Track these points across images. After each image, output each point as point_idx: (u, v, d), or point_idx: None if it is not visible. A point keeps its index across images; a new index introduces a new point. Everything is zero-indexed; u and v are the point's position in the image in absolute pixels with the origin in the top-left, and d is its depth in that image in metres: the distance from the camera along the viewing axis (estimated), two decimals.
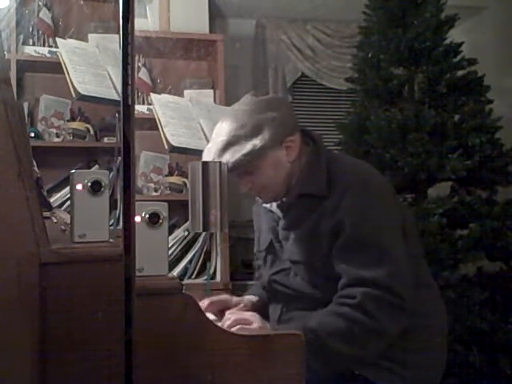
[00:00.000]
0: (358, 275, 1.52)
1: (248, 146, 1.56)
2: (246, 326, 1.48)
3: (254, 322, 1.52)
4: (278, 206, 1.71)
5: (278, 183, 1.65)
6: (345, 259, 1.55)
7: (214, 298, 1.80)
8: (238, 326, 1.47)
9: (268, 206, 1.75)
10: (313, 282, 1.62)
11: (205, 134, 2.38)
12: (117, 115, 2.24)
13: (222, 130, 1.61)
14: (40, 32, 3.16)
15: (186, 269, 3.10)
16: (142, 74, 3.30)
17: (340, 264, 1.55)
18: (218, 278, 3.13)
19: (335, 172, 1.62)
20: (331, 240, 1.56)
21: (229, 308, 1.76)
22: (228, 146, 1.57)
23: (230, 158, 1.56)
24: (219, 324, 1.40)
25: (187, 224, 2.73)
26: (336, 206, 1.56)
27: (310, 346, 1.38)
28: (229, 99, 3.21)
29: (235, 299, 1.83)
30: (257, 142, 1.57)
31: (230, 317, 1.55)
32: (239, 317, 1.52)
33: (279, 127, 1.60)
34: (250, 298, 1.86)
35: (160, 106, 2.35)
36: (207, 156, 1.62)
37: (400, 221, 1.65)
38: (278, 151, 1.62)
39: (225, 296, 1.87)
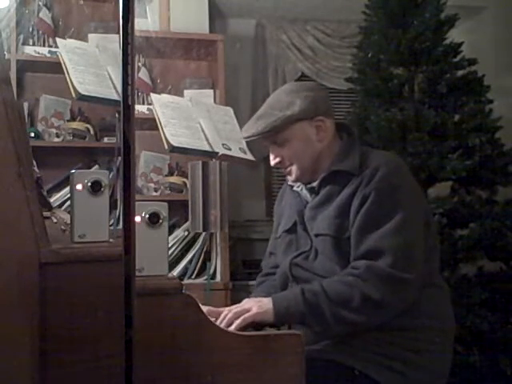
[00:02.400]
0: (366, 246, 1.58)
1: (279, 115, 1.71)
2: (247, 315, 1.50)
3: (252, 307, 1.54)
4: (309, 189, 1.77)
5: (305, 160, 1.74)
6: (360, 229, 1.60)
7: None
8: (240, 319, 1.49)
9: (298, 189, 1.82)
10: (335, 259, 1.65)
11: (205, 134, 2.38)
12: (117, 115, 2.24)
13: (262, 108, 1.78)
14: (40, 32, 3.16)
15: (186, 269, 3.10)
16: (142, 74, 3.30)
17: (355, 234, 1.61)
18: (218, 278, 3.12)
19: (368, 156, 1.72)
20: (356, 214, 1.63)
21: None
22: (262, 116, 1.74)
23: (261, 124, 1.71)
24: (217, 322, 1.41)
25: (187, 224, 2.73)
26: (366, 183, 1.64)
27: (308, 306, 1.52)
28: (229, 99, 3.21)
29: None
30: (287, 112, 1.71)
31: (229, 309, 1.55)
32: (237, 309, 1.53)
33: (310, 104, 1.73)
34: None
35: (160, 106, 2.35)
36: (244, 128, 1.76)
37: (423, 209, 1.73)
38: (308, 127, 1.74)
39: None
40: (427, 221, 1.71)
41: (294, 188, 1.84)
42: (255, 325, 1.54)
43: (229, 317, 1.50)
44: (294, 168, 1.76)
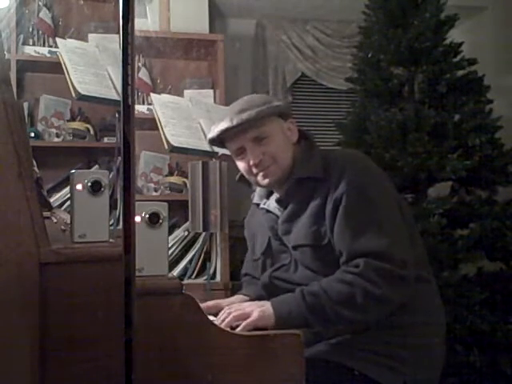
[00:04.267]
0: (358, 249, 1.56)
1: (259, 108, 1.68)
2: (248, 321, 1.47)
3: (253, 311, 1.50)
4: (277, 202, 1.74)
5: (285, 159, 1.71)
6: (344, 234, 1.59)
7: (209, 304, 1.77)
8: (242, 326, 1.46)
9: (265, 206, 1.79)
10: (316, 268, 1.64)
11: (205, 134, 2.38)
12: (117, 115, 2.24)
13: (233, 106, 1.74)
14: (40, 32, 3.16)
15: (186, 269, 3.10)
16: (142, 74, 3.30)
17: (339, 240, 1.59)
18: (218, 278, 3.12)
19: (331, 157, 1.71)
20: (333, 219, 1.61)
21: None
22: (243, 110, 1.68)
23: (245, 115, 1.66)
24: (216, 322, 1.40)
25: (187, 224, 2.73)
26: (335, 186, 1.62)
27: (310, 309, 1.50)
28: (229, 99, 3.21)
29: (227, 301, 1.82)
30: (265, 106, 1.69)
31: (228, 312, 1.53)
32: (237, 313, 1.50)
33: (283, 106, 1.76)
34: (240, 296, 1.85)
35: (160, 106, 2.35)
36: (219, 126, 1.70)
37: (396, 198, 1.72)
38: (284, 125, 1.74)
39: (215, 301, 1.84)
40: (402, 210, 1.70)
41: (261, 205, 1.81)
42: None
43: (228, 321, 1.47)
44: (273, 168, 1.70)
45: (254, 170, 1.71)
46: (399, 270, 1.54)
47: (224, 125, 1.68)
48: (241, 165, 1.75)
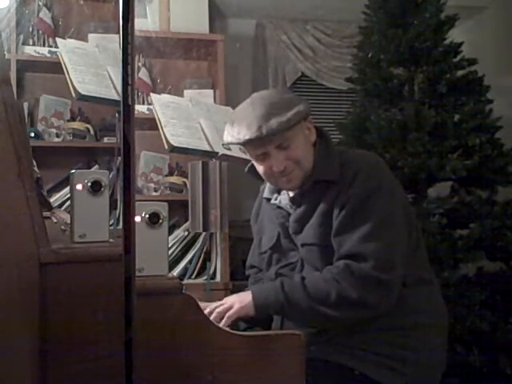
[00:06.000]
0: (344, 250, 1.57)
1: (288, 115, 1.61)
2: (230, 312, 1.54)
3: (234, 303, 1.57)
4: (290, 200, 1.73)
5: (308, 161, 1.68)
6: (337, 235, 1.60)
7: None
8: (225, 319, 1.53)
9: (277, 202, 1.77)
10: (322, 268, 1.63)
11: (205, 134, 2.38)
12: (117, 115, 2.24)
13: (255, 109, 1.63)
14: (40, 32, 3.16)
15: (185, 269, 3.10)
16: (142, 74, 3.30)
17: (334, 239, 1.60)
18: (218, 277, 3.13)
19: (346, 159, 1.68)
20: (336, 220, 1.62)
21: None
22: (270, 115, 1.60)
23: (275, 124, 1.59)
24: None
25: (187, 224, 2.73)
26: (346, 189, 1.62)
27: (286, 297, 1.54)
28: (229, 99, 3.22)
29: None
30: (293, 111, 1.62)
31: (211, 307, 1.57)
32: (219, 309, 1.56)
33: (304, 104, 1.67)
34: None
35: (160, 106, 2.35)
36: (243, 133, 1.61)
37: (404, 205, 1.70)
38: (304, 127, 1.69)
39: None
40: (408, 218, 1.69)
41: (272, 201, 1.79)
42: (240, 320, 1.59)
43: (213, 317, 1.51)
44: (296, 172, 1.67)
45: (278, 175, 1.67)
46: (380, 275, 1.53)
47: (252, 134, 1.59)
48: (260, 167, 1.70)
